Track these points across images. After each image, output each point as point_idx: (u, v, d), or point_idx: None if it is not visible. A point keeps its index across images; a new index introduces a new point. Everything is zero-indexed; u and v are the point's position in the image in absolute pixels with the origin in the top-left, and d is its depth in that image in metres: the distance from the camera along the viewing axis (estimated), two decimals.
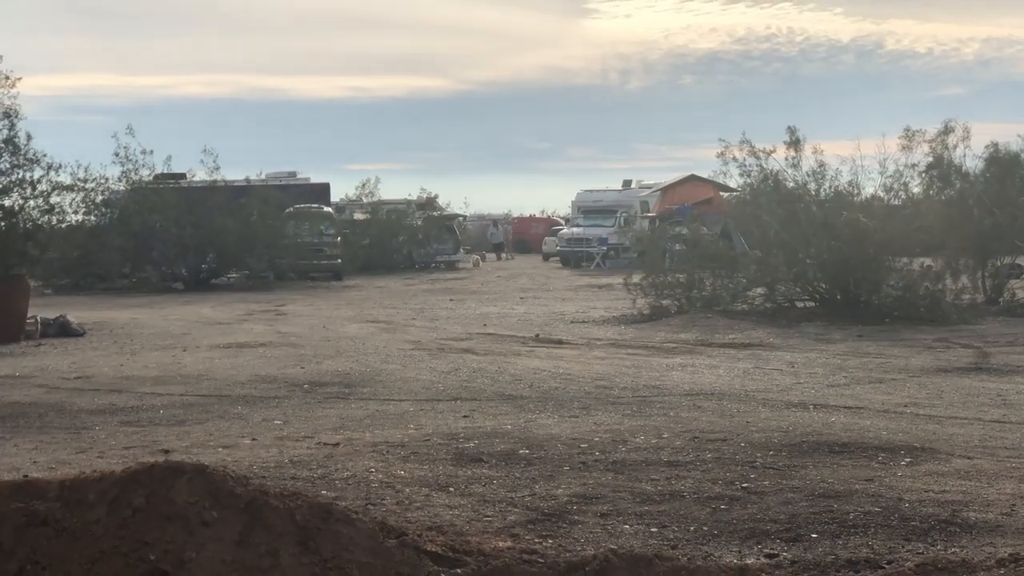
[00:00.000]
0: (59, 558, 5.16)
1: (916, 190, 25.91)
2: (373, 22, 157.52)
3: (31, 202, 22.22)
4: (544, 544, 6.62)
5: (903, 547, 6.66)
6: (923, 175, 25.52)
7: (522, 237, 71.36)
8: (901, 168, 24.79)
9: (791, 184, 25.01)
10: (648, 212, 50.96)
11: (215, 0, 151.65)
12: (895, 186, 25.04)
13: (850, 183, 24.97)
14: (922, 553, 6.51)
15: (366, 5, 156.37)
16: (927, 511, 7.45)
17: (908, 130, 24.56)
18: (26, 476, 6.99)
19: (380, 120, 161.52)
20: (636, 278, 24.99)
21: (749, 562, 6.37)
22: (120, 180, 36.14)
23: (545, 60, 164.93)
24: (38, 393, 13.47)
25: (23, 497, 5.46)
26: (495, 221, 70.33)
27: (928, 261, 24.01)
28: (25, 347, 18.83)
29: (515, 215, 79.05)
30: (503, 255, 63.47)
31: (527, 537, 6.81)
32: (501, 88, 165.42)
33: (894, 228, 23.65)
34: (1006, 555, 6.15)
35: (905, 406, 12.15)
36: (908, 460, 9.19)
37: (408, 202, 53.03)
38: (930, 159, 25.22)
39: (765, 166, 25.12)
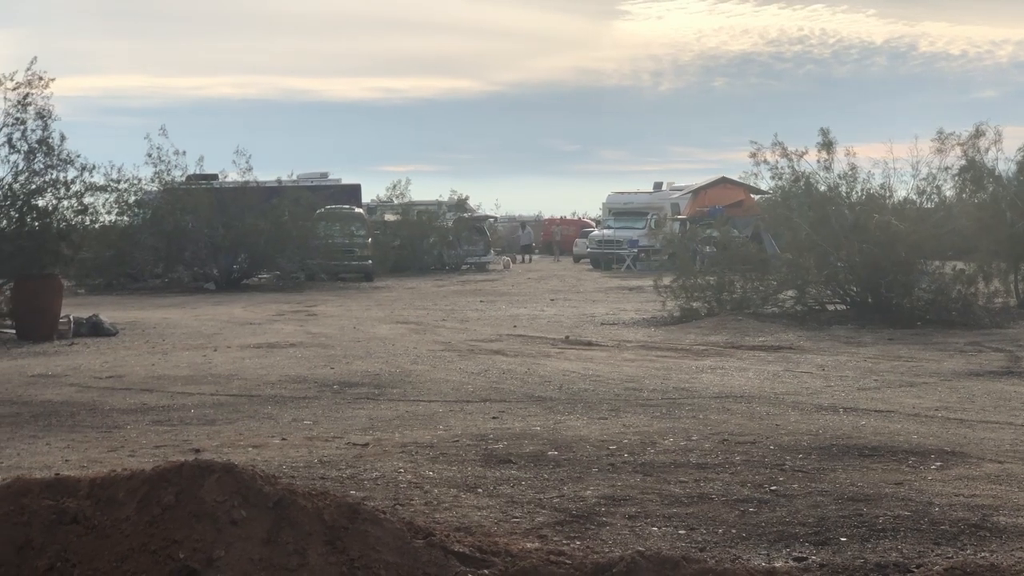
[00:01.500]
0: (89, 555, 5.19)
1: (949, 193, 25.82)
2: (404, 23, 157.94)
3: (65, 202, 22.36)
4: (572, 545, 6.63)
5: (932, 551, 6.64)
6: (956, 178, 25.40)
7: (551, 240, 71.29)
8: (934, 171, 24.73)
9: (823, 187, 24.95)
10: (679, 214, 50.93)
11: (246, 2, 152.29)
12: (928, 189, 24.97)
13: (882, 186, 24.94)
14: (951, 557, 6.48)
15: (397, 6, 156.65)
16: (957, 515, 7.42)
17: (941, 133, 24.48)
18: (58, 474, 7.04)
19: (411, 121, 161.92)
20: (666, 280, 24.95)
21: (777, 565, 6.35)
22: (153, 181, 36.35)
23: (576, 61, 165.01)
24: (70, 392, 13.55)
25: (54, 495, 5.50)
26: (523, 223, 70.24)
27: (960, 264, 23.88)
28: (58, 346, 18.95)
29: (546, 217, 79.02)
30: (528, 257, 63.12)
31: (555, 538, 6.82)
32: (532, 89, 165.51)
33: (926, 231, 23.57)
34: None
35: (936, 410, 12.09)
36: (938, 464, 9.15)
37: (439, 203, 53.07)
38: (963, 162, 25.10)
39: (797, 168, 25.08)
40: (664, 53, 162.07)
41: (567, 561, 5.89)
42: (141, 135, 37.90)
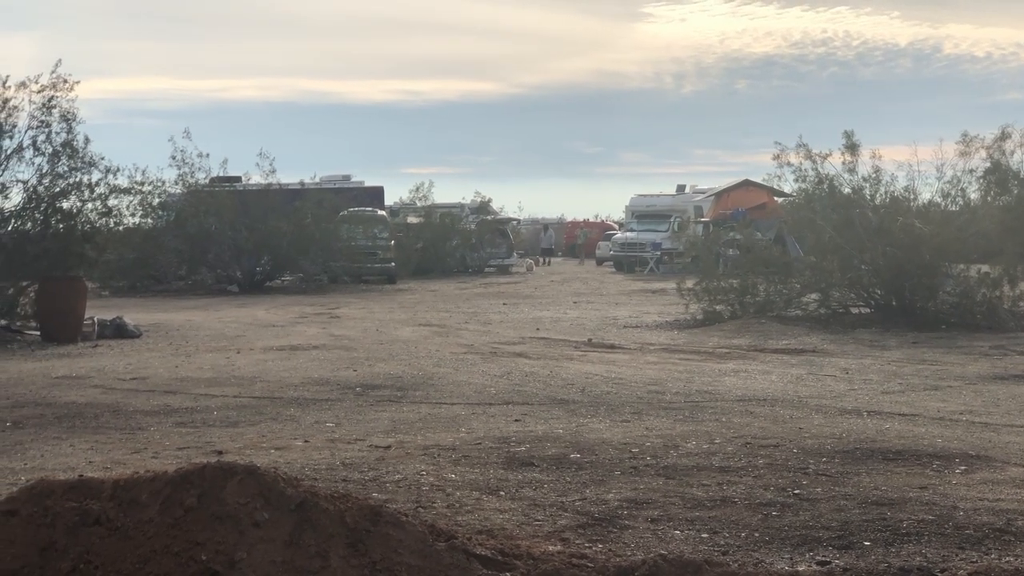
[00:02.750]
0: (111, 557, 5.20)
1: (973, 196, 25.68)
2: (426, 25, 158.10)
3: (89, 205, 22.47)
4: (594, 549, 6.61)
5: (957, 555, 6.60)
6: (980, 181, 25.27)
7: (575, 242, 71.26)
8: (958, 174, 24.62)
9: (846, 189, 24.88)
10: (702, 217, 50.86)
11: (268, 4, 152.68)
12: (952, 192, 24.86)
13: (906, 188, 24.86)
14: (976, 562, 6.45)
15: (418, 9, 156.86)
16: (981, 519, 7.37)
17: (965, 135, 24.38)
18: (81, 476, 7.06)
19: (433, 123, 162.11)
20: (689, 283, 24.93)
21: (801, 569, 6.33)
22: (176, 183, 36.51)
23: (599, 64, 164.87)
24: (94, 393, 13.59)
25: (77, 496, 5.51)
26: (546, 225, 70.25)
27: (985, 267, 23.76)
28: (82, 348, 19.02)
29: (568, 219, 79.03)
30: (548, 260, 62.99)
31: (577, 542, 6.80)
32: (554, 92, 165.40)
33: (950, 234, 23.47)
34: None
35: (960, 414, 12.03)
36: (963, 468, 9.11)
37: (462, 206, 53.12)
38: (987, 164, 24.97)
39: (821, 170, 25.02)
40: (687, 55, 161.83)
41: (589, 564, 5.88)
42: (165, 137, 38.11)
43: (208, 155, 36.94)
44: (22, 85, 21.56)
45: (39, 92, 21.59)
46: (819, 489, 8.27)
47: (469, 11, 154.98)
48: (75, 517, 5.38)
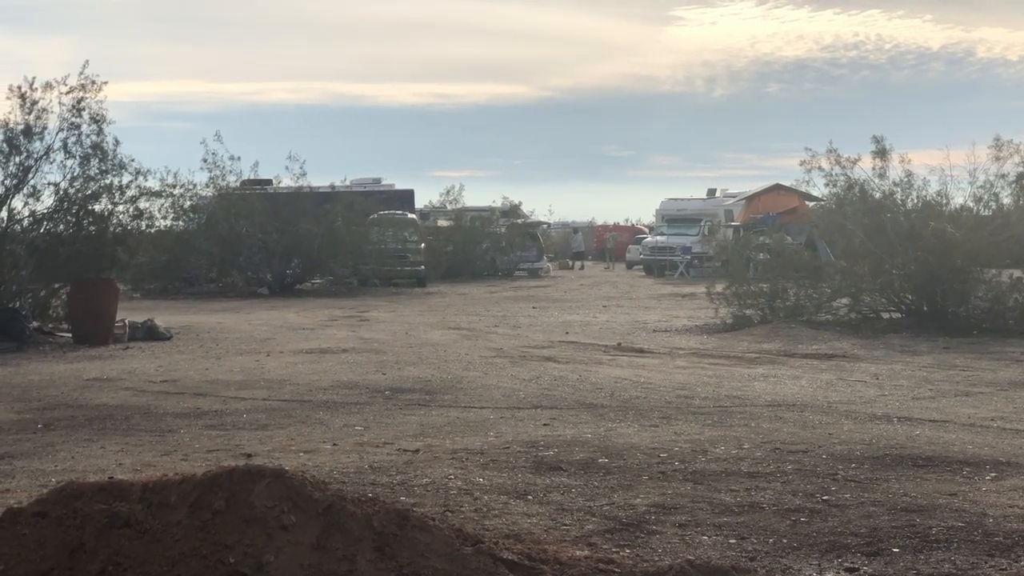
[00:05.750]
0: (140, 559, 5.23)
1: (1006, 201, 25.53)
2: (456, 29, 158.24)
3: (120, 207, 22.59)
4: (621, 554, 6.60)
5: (986, 563, 6.57)
6: (1013, 185, 25.12)
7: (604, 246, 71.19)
8: (991, 178, 24.48)
9: (877, 194, 24.78)
10: (732, 221, 50.76)
11: (300, 7, 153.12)
12: (985, 196, 24.72)
13: (938, 193, 24.75)
14: (1005, 569, 6.41)
15: (449, 12, 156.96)
16: (1011, 526, 7.33)
17: (998, 140, 24.25)
18: (111, 478, 7.10)
19: (464, 127, 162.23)
20: (719, 287, 24.86)
21: None
22: (208, 186, 36.68)
23: (629, 67, 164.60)
24: (125, 396, 13.66)
25: (107, 498, 5.54)
26: (575, 228, 70.23)
27: (1018, 272, 23.61)
28: (113, 350, 19.11)
29: (599, 223, 78.94)
30: (581, 264, 62.96)
31: (604, 546, 6.79)
32: (585, 95, 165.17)
33: (982, 239, 23.33)
34: None
35: (992, 420, 11.96)
36: (993, 475, 9.05)
37: (492, 209, 53.14)
38: (1021, 169, 24.83)
39: (851, 175, 24.95)
40: (718, 59, 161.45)
41: (616, 569, 5.87)
42: (196, 140, 38.49)
43: (239, 158, 37.17)
44: (48, 86, 21.63)
45: (68, 93, 21.68)
46: (848, 495, 8.24)
47: (500, 14, 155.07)
48: (104, 519, 5.40)
